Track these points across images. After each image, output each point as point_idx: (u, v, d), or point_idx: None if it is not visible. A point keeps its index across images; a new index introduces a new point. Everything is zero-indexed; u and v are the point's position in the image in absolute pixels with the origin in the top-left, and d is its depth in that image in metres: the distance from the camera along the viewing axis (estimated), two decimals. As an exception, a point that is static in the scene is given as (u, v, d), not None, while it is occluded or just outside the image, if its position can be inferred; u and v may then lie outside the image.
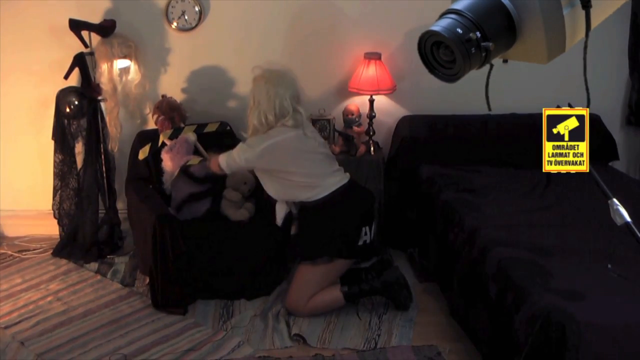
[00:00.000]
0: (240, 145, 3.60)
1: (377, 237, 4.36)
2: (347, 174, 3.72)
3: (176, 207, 4.02)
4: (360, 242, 3.57)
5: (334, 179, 3.61)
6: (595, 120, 4.46)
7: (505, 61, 1.36)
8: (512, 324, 2.74)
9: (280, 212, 3.74)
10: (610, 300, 2.63)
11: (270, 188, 3.67)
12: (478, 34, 1.15)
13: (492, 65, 1.28)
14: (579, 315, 2.48)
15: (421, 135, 4.51)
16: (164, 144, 4.10)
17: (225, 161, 3.63)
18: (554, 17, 1.13)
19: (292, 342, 3.40)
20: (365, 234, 3.58)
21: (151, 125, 4.49)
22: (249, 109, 3.60)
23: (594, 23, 1.18)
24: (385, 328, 3.53)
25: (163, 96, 4.37)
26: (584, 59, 1.24)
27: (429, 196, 4.10)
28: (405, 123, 4.62)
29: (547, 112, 1.67)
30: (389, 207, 4.43)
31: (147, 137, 4.27)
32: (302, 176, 3.56)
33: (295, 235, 3.68)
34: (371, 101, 4.46)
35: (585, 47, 1.21)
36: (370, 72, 4.36)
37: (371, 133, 4.49)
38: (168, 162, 4.05)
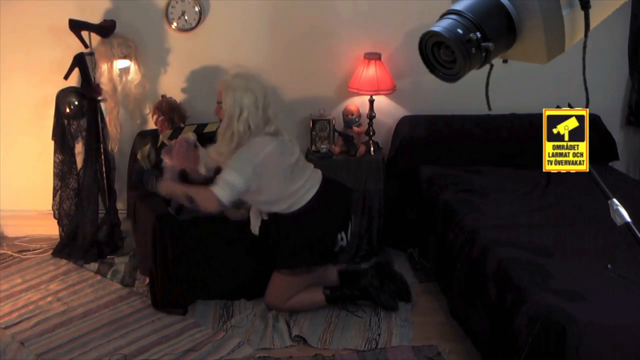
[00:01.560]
0: (229, 172, 3.34)
1: (377, 237, 4.40)
2: (319, 174, 3.62)
3: (176, 207, 4.01)
4: (337, 248, 3.59)
5: (308, 188, 3.51)
6: (595, 120, 4.46)
7: (505, 61, 1.36)
8: (512, 324, 2.74)
9: (256, 220, 3.62)
10: (610, 301, 2.64)
11: (248, 199, 3.56)
12: (478, 34, 1.15)
13: (492, 65, 1.29)
14: (579, 315, 2.49)
15: (421, 135, 4.52)
16: (163, 144, 4.10)
17: (224, 194, 3.31)
18: (554, 18, 1.14)
19: (292, 342, 3.41)
20: (342, 239, 3.58)
21: (151, 125, 4.49)
22: (228, 118, 3.38)
23: (593, 23, 1.18)
24: (384, 328, 3.53)
25: (163, 96, 4.38)
26: (583, 59, 1.24)
27: (429, 196, 4.10)
28: (405, 123, 4.63)
29: (547, 112, 1.68)
30: (388, 207, 4.43)
31: (147, 137, 4.27)
32: (278, 194, 3.47)
33: (272, 244, 3.56)
34: (371, 101, 4.46)
35: (585, 47, 1.22)
36: (370, 72, 4.36)
37: (371, 133, 4.50)
38: (168, 163, 4.05)
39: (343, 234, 3.59)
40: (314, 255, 3.57)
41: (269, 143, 3.41)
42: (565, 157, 1.68)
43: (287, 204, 3.48)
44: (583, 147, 1.67)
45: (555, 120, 1.67)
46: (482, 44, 1.16)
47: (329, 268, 3.80)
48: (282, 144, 3.47)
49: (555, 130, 1.67)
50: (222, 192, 3.30)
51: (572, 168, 1.68)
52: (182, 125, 4.24)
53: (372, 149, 4.46)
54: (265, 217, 3.57)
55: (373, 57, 4.40)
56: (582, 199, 3.72)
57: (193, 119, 4.38)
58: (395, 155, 4.57)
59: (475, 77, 1.37)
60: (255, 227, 3.62)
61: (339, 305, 3.72)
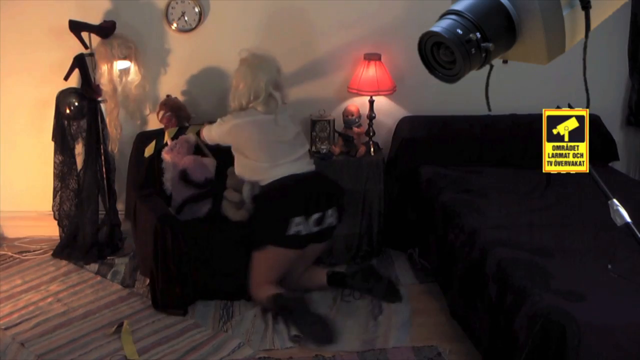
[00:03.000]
0: (218, 120, 3.81)
1: (377, 237, 4.39)
2: (309, 164, 3.80)
3: (177, 208, 4.02)
4: (291, 232, 3.53)
5: (288, 167, 3.66)
6: (595, 120, 4.46)
7: (505, 62, 1.35)
8: (512, 324, 2.74)
9: (246, 191, 3.86)
10: (610, 301, 2.64)
11: (237, 166, 3.81)
12: (478, 34, 1.15)
13: (492, 66, 1.28)
14: (579, 315, 2.49)
15: (421, 135, 4.52)
16: (166, 144, 4.11)
17: (205, 132, 3.93)
18: (554, 18, 1.13)
19: (292, 343, 3.40)
20: (298, 224, 3.53)
21: (151, 126, 4.49)
22: (233, 89, 3.76)
23: (594, 24, 1.18)
24: (382, 331, 3.50)
25: (168, 96, 4.38)
26: (584, 59, 1.24)
27: (429, 197, 4.10)
28: (405, 124, 4.63)
29: (547, 112, 1.67)
30: (389, 207, 4.42)
31: (148, 138, 4.27)
32: (258, 160, 3.67)
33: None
34: (371, 102, 4.46)
35: (585, 48, 1.21)
36: (370, 72, 4.36)
37: (371, 134, 4.49)
38: (169, 163, 4.05)
39: (301, 219, 3.53)
40: (265, 232, 3.62)
41: (256, 115, 3.67)
42: (565, 157, 1.67)
43: (263, 175, 3.67)
44: (583, 147, 1.66)
45: (555, 121, 1.67)
46: (482, 44, 1.16)
47: (316, 270, 3.83)
48: (269, 122, 3.67)
49: (555, 131, 1.67)
50: (204, 130, 3.96)
51: (572, 169, 1.68)
52: (186, 124, 4.25)
53: (372, 149, 4.45)
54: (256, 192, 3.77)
55: (373, 57, 4.40)
56: (582, 200, 3.71)
57: (194, 119, 4.38)
58: (395, 156, 4.57)
59: (475, 77, 1.37)
60: (246, 197, 3.87)
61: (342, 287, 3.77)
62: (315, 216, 3.58)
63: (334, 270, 3.86)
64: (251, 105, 3.67)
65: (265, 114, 3.66)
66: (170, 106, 4.26)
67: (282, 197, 3.61)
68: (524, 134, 4.41)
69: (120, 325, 3.52)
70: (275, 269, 3.68)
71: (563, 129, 1.67)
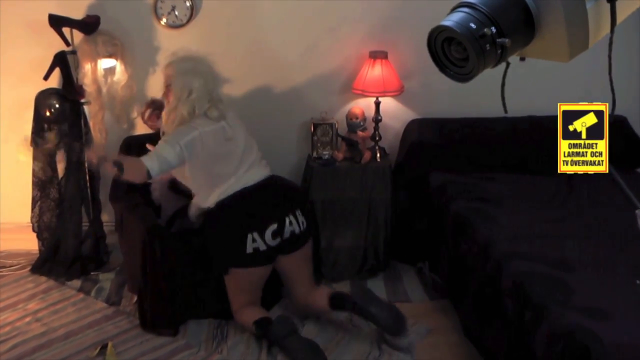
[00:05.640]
0: (163, 144, 3.50)
1: (384, 249, 4.38)
2: (261, 169, 3.74)
3: (167, 220, 4.00)
4: (249, 250, 3.52)
5: (237, 181, 3.63)
6: (621, 122, 4.42)
7: (522, 59, 1.34)
8: (530, 344, 2.73)
9: (193, 208, 3.75)
10: (638, 319, 2.62)
11: (191, 183, 3.71)
12: (493, 29, 1.14)
13: (508, 64, 1.28)
14: (604, 335, 2.47)
15: (431, 140, 4.51)
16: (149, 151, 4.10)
17: (154, 164, 3.41)
18: (577, 11, 1.13)
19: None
20: (254, 240, 3.51)
21: (139, 130, 4.49)
22: (176, 100, 3.57)
23: (620, 17, 1.17)
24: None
25: (153, 98, 4.37)
26: (609, 56, 1.23)
27: (440, 206, 4.10)
28: (414, 127, 4.62)
29: (563, 107, 1.66)
30: (396, 217, 4.42)
31: (135, 142, 4.26)
32: (201, 181, 3.64)
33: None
34: (377, 103, 4.46)
35: (611, 44, 1.20)
36: (375, 72, 4.36)
37: (377, 138, 4.49)
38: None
39: (256, 234, 3.50)
40: (223, 257, 3.62)
41: (209, 125, 3.57)
42: (582, 157, 1.66)
43: (206, 196, 3.62)
44: (602, 145, 1.65)
45: (572, 117, 1.66)
46: (498, 39, 1.15)
47: (317, 291, 3.76)
48: (221, 130, 3.61)
49: (571, 128, 1.65)
50: (151, 162, 3.42)
51: (591, 169, 1.66)
52: None
53: (378, 155, 4.45)
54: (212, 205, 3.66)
55: (379, 55, 4.40)
56: (607, 208, 3.70)
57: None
58: (403, 162, 4.57)
59: (489, 76, 1.36)
60: (192, 215, 3.77)
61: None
62: (272, 228, 3.55)
63: (336, 293, 3.69)
64: (203, 113, 3.59)
65: (217, 121, 3.61)
66: (158, 105, 4.25)
67: (233, 215, 3.58)
68: (542, 137, 4.39)
69: (105, 346, 3.51)
70: (249, 290, 3.68)
71: (580, 125, 1.65)
